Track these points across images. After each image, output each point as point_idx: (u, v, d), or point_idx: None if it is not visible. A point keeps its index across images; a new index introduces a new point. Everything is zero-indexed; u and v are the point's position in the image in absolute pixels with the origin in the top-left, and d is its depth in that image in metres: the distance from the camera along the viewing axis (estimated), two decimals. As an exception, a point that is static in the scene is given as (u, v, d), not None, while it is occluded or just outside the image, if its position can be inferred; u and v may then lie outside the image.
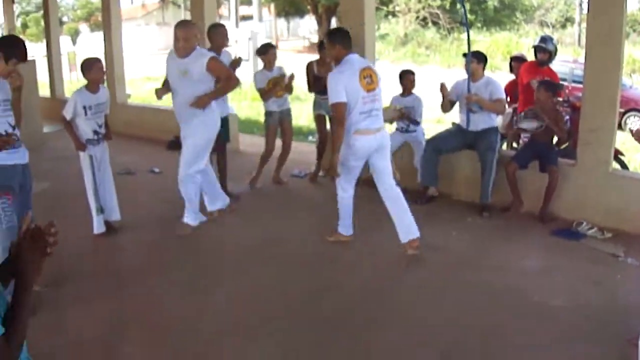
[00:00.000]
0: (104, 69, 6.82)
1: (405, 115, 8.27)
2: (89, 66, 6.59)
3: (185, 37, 6.58)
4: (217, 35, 7.91)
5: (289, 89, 8.66)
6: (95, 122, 6.73)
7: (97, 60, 6.76)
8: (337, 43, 6.18)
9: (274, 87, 8.49)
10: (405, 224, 6.32)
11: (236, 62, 7.91)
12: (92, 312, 5.29)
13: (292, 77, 8.56)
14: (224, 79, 6.82)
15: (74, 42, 53.22)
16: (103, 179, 6.95)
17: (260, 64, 9.06)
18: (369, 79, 6.09)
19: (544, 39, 8.88)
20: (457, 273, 6.03)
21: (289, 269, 6.17)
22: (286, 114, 8.90)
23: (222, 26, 8.21)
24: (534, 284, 5.69)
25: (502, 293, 5.56)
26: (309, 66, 9.01)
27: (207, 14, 10.77)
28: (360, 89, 6.00)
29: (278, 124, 8.83)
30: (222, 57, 7.75)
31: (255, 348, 4.71)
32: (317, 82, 8.82)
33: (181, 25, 6.78)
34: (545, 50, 8.64)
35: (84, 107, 6.60)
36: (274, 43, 42.41)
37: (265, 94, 8.56)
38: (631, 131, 4.26)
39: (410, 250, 6.28)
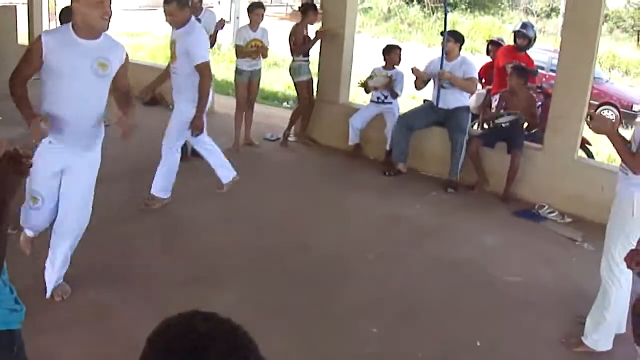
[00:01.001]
0: None
1: (391, 87, 8.40)
2: (69, 15, 6.56)
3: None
4: None
5: (264, 53, 8.77)
6: None
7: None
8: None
9: (253, 49, 8.55)
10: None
11: (220, 24, 7.95)
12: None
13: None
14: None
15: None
16: None
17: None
18: None
19: (524, 25, 8.99)
20: (416, 243, 6.20)
21: (260, 225, 6.31)
22: (256, 74, 8.94)
23: None
24: (491, 259, 5.88)
25: (458, 265, 5.74)
26: (297, 27, 9.03)
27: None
28: None
29: (247, 82, 8.88)
30: (207, 18, 7.81)
31: (222, 295, 4.82)
32: (306, 44, 8.95)
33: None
34: (525, 35, 8.74)
35: None
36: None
37: (240, 52, 8.59)
38: (588, 119, 4.33)
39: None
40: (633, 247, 4.14)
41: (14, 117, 5.00)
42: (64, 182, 4.49)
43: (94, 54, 4.26)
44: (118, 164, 7.89)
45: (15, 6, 12.71)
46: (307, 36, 8.98)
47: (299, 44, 8.97)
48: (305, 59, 9.06)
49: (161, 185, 6.56)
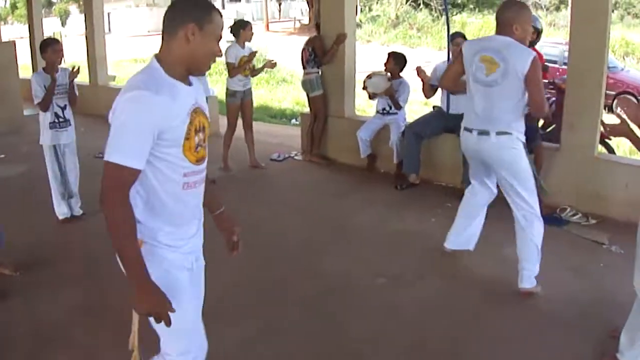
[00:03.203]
0: (61, 50, 6.59)
1: (391, 94, 8.09)
2: (44, 48, 6.45)
3: None
4: None
5: (254, 70, 8.81)
6: (57, 104, 6.51)
7: (54, 41, 6.64)
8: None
9: (245, 64, 8.49)
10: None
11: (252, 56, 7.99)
12: (60, 298, 5.15)
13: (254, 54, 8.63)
14: None
15: (64, 24, 52.89)
16: (66, 167, 6.73)
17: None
18: None
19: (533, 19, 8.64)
20: (433, 260, 5.88)
21: (267, 255, 6.01)
22: (248, 93, 8.88)
23: None
24: (514, 272, 5.52)
25: (479, 281, 5.43)
26: (314, 40, 8.97)
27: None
28: None
29: (240, 103, 8.79)
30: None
31: (226, 332, 4.49)
32: (323, 56, 8.87)
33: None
34: (535, 29, 8.39)
35: (45, 87, 6.44)
36: (264, 24, 42.06)
37: (234, 70, 8.46)
38: (603, 124, 4.01)
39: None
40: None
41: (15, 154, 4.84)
42: None
43: None
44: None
45: (15, 41, 12.68)
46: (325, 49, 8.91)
47: (320, 54, 8.87)
48: (317, 71, 8.99)
49: None
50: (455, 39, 7.63)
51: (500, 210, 6.66)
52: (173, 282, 2.85)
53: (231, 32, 8.38)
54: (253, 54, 8.59)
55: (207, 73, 7.63)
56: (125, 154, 2.50)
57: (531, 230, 5.18)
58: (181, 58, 2.66)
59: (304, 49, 9.08)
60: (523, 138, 5.09)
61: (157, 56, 2.69)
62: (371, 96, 8.47)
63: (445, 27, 8.01)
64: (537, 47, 8.82)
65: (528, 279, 5.20)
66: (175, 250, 2.87)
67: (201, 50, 2.67)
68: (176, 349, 3.03)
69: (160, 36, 2.70)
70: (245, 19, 8.89)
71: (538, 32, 8.41)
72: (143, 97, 2.51)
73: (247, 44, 8.59)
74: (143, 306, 2.64)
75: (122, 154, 2.50)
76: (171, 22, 2.65)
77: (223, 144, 8.91)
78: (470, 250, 5.81)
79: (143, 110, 2.51)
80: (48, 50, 6.41)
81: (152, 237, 2.77)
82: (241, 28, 8.49)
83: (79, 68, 6.75)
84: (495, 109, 5.04)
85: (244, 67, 8.46)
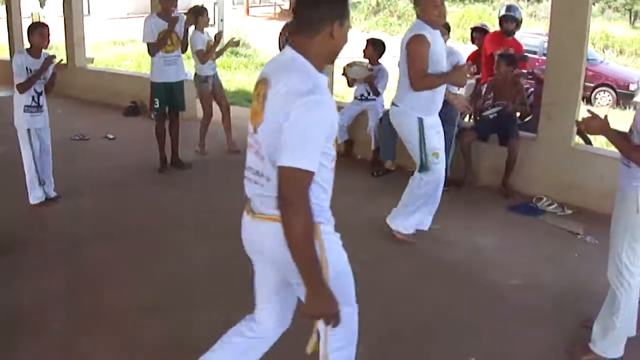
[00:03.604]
0: (48, 35, 6.49)
1: (370, 81, 8.05)
2: (32, 31, 6.37)
3: None
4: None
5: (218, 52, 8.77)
6: (35, 90, 6.42)
7: (42, 25, 6.57)
8: None
9: (213, 48, 8.48)
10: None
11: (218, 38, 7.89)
12: (33, 283, 5.08)
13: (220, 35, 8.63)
14: None
15: (42, 4, 52.28)
16: (41, 151, 6.65)
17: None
18: None
19: (509, 8, 8.62)
20: (405, 249, 5.84)
21: (239, 240, 5.95)
22: (217, 77, 8.89)
23: None
24: (488, 262, 5.55)
25: (454, 270, 5.41)
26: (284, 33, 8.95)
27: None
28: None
29: (211, 89, 8.78)
30: (179, 21, 7.59)
31: (196, 320, 4.51)
32: None
33: None
34: (513, 18, 8.39)
35: (27, 69, 6.34)
36: (244, 8, 41.65)
37: (204, 55, 8.38)
38: (578, 123, 4.02)
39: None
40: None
41: None
42: None
43: None
44: (93, 177, 7.66)
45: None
46: None
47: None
48: None
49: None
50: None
51: (477, 199, 6.70)
52: (348, 270, 3.09)
53: (187, 20, 8.22)
54: (219, 36, 8.61)
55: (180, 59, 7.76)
56: (311, 160, 2.56)
57: (417, 185, 5.75)
58: (325, 53, 2.83)
59: (280, 34, 9.09)
60: (418, 113, 5.51)
61: (298, 52, 2.78)
62: (350, 83, 8.43)
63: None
64: (517, 37, 8.87)
65: (400, 224, 5.86)
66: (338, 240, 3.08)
67: (341, 44, 2.86)
68: (347, 338, 3.13)
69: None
70: (202, 5, 8.74)
71: (517, 22, 8.42)
72: (321, 103, 2.61)
73: (205, 29, 8.55)
74: (317, 310, 2.70)
75: (308, 160, 2.55)
76: (314, 20, 2.77)
77: (199, 130, 8.88)
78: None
79: (323, 117, 2.63)
80: (36, 33, 6.34)
81: (326, 230, 2.94)
82: (199, 15, 8.38)
83: (66, 64, 6.65)
84: (398, 83, 5.70)
85: (212, 51, 8.44)
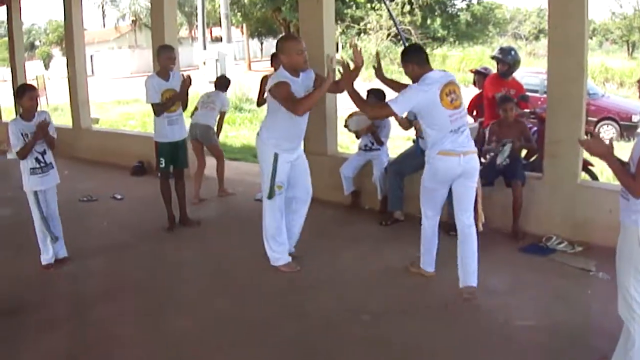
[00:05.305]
0: (38, 97, 6.56)
1: (373, 130, 8.08)
2: (20, 94, 6.38)
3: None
4: (160, 57, 7.77)
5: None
6: (36, 150, 6.43)
7: (30, 87, 6.60)
8: (410, 62, 5.67)
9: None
10: (468, 270, 5.76)
11: (186, 83, 7.68)
12: (43, 344, 5.05)
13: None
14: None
15: (47, 66, 52.96)
16: (49, 212, 6.65)
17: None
18: (453, 95, 5.55)
19: (502, 50, 8.65)
20: (420, 295, 5.84)
21: (250, 296, 5.96)
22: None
23: (167, 48, 8.01)
24: (501, 304, 5.51)
25: (463, 316, 5.37)
26: (265, 79, 8.98)
27: (168, 36, 10.54)
28: (442, 107, 5.49)
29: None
30: (173, 79, 7.60)
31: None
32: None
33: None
34: (501, 61, 8.44)
35: (22, 135, 6.34)
36: (246, 64, 41.91)
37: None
38: (581, 142, 4.06)
39: (466, 295, 5.69)
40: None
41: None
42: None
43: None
44: (102, 237, 7.67)
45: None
46: None
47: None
48: None
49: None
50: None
51: (486, 243, 6.68)
52: None
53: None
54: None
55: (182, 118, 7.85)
56: None
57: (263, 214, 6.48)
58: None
59: (261, 83, 9.44)
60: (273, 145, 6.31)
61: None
62: (357, 135, 8.49)
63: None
64: (517, 77, 8.91)
65: (271, 256, 6.47)
66: None
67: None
68: None
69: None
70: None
71: (509, 64, 8.43)
72: None
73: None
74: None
75: None
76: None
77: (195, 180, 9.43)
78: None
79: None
80: (25, 97, 6.34)
81: None
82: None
83: (49, 123, 6.59)
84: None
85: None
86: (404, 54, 5.77)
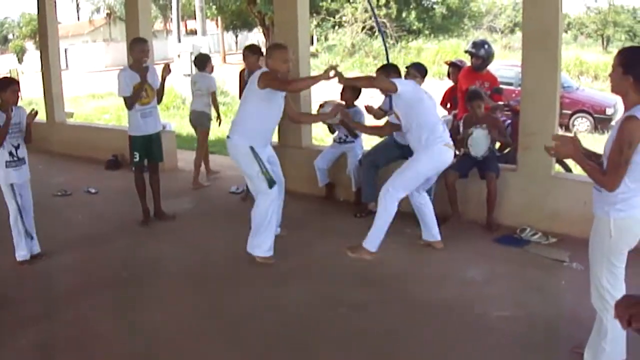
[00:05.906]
0: (19, 91, 6.51)
1: (347, 123, 8.03)
2: (4, 87, 6.30)
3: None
4: (134, 51, 7.74)
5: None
6: (11, 144, 6.37)
7: (12, 81, 6.52)
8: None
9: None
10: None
11: (166, 69, 7.68)
12: (20, 341, 5.00)
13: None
14: None
15: (20, 60, 52.44)
16: (24, 206, 6.59)
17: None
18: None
19: (474, 44, 8.65)
20: (396, 287, 5.85)
21: (226, 289, 5.95)
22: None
23: (140, 41, 7.94)
24: (476, 295, 5.54)
25: (440, 307, 5.39)
26: (243, 73, 9.05)
27: (142, 29, 10.49)
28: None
29: None
30: (150, 72, 7.55)
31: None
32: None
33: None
34: (474, 55, 8.46)
35: None
36: (221, 56, 41.84)
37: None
38: (548, 150, 4.07)
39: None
40: (619, 270, 3.87)
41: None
42: None
43: None
44: (76, 232, 7.62)
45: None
46: None
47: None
48: None
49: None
50: (411, 70, 7.51)
51: (461, 234, 6.71)
52: None
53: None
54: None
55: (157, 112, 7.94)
56: None
57: (257, 204, 6.44)
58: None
59: (241, 73, 9.31)
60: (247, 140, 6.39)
61: None
62: (331, 129, 8.49)
63: (385, 57, 7.81)
64: (492, 69, 8.94)
65: (258, 248, 6.44)
66: None
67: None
68: None
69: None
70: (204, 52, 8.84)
71: (483, 58, 8.45)
72: None
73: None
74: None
75: None
76: None
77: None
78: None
79: None
80: (8, 90, 6.28)
81: None
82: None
83: (37, 112, 6.65)
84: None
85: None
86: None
